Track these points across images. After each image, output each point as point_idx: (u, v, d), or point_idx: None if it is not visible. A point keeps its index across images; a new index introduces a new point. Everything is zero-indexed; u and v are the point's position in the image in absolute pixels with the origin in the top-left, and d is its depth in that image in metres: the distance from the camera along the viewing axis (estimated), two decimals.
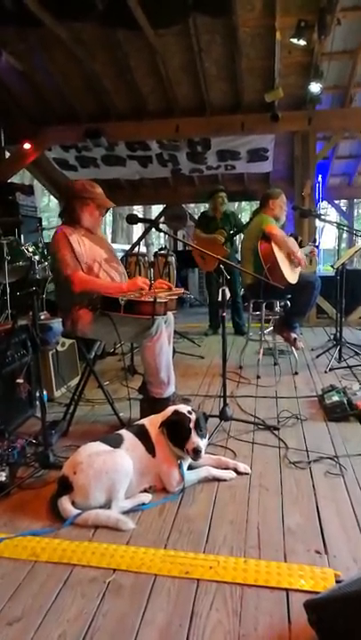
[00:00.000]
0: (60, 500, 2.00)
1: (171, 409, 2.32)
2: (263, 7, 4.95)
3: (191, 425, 2.18)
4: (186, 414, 2.23)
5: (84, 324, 2.80)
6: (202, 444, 2.18)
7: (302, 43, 4.98)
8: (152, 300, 2.67)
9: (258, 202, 5.63)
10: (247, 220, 6.09)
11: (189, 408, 2.31)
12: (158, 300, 2.68)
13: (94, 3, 4.72)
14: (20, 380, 2.95)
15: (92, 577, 1.65)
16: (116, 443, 2.19)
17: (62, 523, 1.94)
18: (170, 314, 3.03)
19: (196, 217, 7.65)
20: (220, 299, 2.90)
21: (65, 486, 2.03)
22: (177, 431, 2.20)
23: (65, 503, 1.99)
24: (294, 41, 4.96)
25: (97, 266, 2.87)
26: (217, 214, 5.81)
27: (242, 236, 5.97)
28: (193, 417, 2.21)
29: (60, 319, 3.03)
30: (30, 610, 1.51)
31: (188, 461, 2.26)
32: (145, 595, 1.56)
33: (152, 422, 2.32)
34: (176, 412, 2.26)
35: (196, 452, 2.15)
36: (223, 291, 3.01)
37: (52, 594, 1.57)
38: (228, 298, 3.02)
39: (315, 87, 5.64)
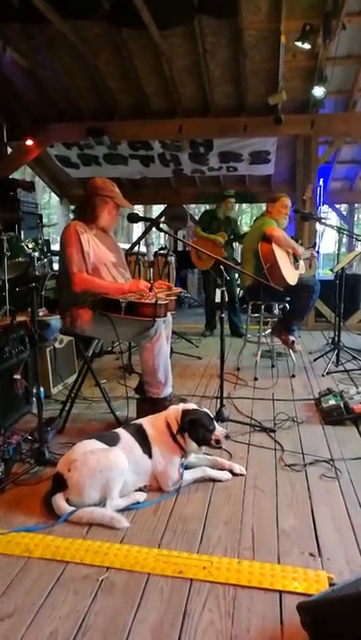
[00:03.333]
0: (55, 497, 2.00)
1: (175, 409, 2.33)
2: (269, 10, 4.96)
3: (211, 416, 2.31)
4: (200, 409, 2.32)
5: (84, 321, 2.79)
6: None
7: (307, 46, 4.99)
8: (153, 301, 2.67)
9: (259, 204, 5.62)
10: (245, 229, 6.12)
11: (194, 405, 2.37)
12: (159, 302, 2.68)
13: (100, 1, 4.72)
14: (17, 377, 2.95)
15: (85, 574, 1.65)
16: (112, 441, 2.19)
17: (56, 520, 1.94)
18: (168, 314, 3.03)
19: (198, 217, 7.66)
20: (217, 300, 2.91)
21: (59, 483, 2.03)
22: (200, 427, 2.25)
23: (59, 500, 1.99)
24: (299, 44, 4.97)
25: (104, 268, 2.83)
26: (222, 216, 5.83)
27: (239, 244, 6.03)
28: (207, 410, 2.33)
29: (59, 316, 3.02)
30: (22, 606, 1.50)
31: (186, 460, 2.28)
32: (138, 593, 1.56)
33: (151, 422, 2.32)
34: (190, 412, 2.29)
35: (227, 438, 2.33)
36: (223, 292, 3.02)
37: (45, 590, 1.57)
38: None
39: (318, 91, 5.66)
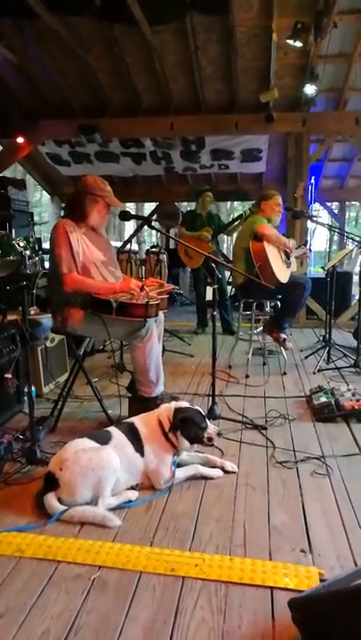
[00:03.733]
0: (46, 496, 2.00)
1: (167, 408, 2.33)
2: (260, 8, 4.95)
3: (203, 414, 2.32)
4: (192, 407, 2.32)
5: (75, 321, 2.77)
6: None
7: (298, 44, 5.00)
8: (144, 302, 2.66)
9: (250, 202, 5.64)
10: (229, 220, 6.15)
11: (186, 403, 2.38)
12: (151, 302, 2.68)
13: None
14: (8, 376, 2.93)
15: (77, 574, 1.65)
16: (103, 439, 2.19)
17: (48, 519, 1.93)
18: (160, 313, 3.02)
19: None
20: (209, 297, 2.91)
21: (51, 482, 2.02)
22: (192, 425, 2.26)
23: (51, 499, 1.98)
24: (291, 42, 4.97)
25: (93, 267, 2.81)
26: (203, 212, 5.85)
27: (226, 236, 6.03)
28: (199, 408, 2.34)
29: (50, 315, 3.01)
30: (14, 606, 1.50)
31: (178, 458, 2.29)
32: (130, 592, 1.56)
33: (143, 421, 2.32)
34: (182, 410, 2.30)
35: (219, 435, 2.36)
36: (214, 290, 3.02)
37: (37, 590, 1.57)
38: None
39: (310, 89, 5.67)
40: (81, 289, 2.70)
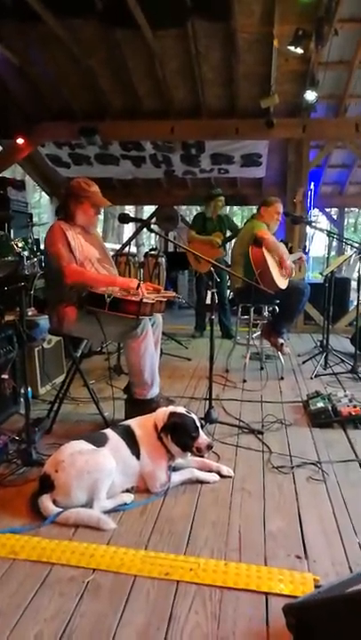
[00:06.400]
0: (41, 498, 1.99)
1: (163, 411, 2.32)
2: (262, 14, 4.98)
3: (198, 424, 2.26)
4: (187, 415, 2.28)
5: (70, 321, 2.79)
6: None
7: (299, 51, 5.02)
8: (138, 299, 2.66)
9: (250, 206, 5.63)
10: (241, 223, 6.12)
11: (183, 409, 2.35)
12: (144, 300, 2.67)
13: (94, 1, 4.71)
14: (4, 376, 2.93)
15: (71, 576, 1.64)
16: (99, 442, 2.18)
17: (43, 521, 1.92)
18: (159, 316, 3.02)
19: (188, 219, 7.65)
20: (208, 301, 2.91)
21: (46, 484, 2.01)
22: (183, 432, 2.23)
23: (46, 501, 1.97)
24: (292, 49, 4.99)
25: (89, 264, 2.86)
26: (214, 216, 5.83)
27: (233, 240, 6.00)
28: (194, 416, 2.29)
29: (47, 316, 3.01)
30: (7, 608, 1.49)
31: (174, 462, 2.27)
32: (124, 595, 1.55)
33: (139, 424, 2.31)
34: (177, 415, 2.27)
35: (209, 448, 2.27)
36: (213, 294, 3.02)
37: (30, 592, 1.56)
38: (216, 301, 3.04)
39: (310, 95, 5.69)
40: (81, 280, 2.74)
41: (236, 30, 5.15)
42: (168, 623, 1.44)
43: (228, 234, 5.75)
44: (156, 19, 4.94)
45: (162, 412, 2.32)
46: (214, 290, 3.00)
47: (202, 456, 2.35)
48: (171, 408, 2.35)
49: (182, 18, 5.03)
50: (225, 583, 1.60)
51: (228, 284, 5.86)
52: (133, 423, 2.33)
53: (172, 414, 2.28)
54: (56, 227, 2.83)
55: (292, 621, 1.34)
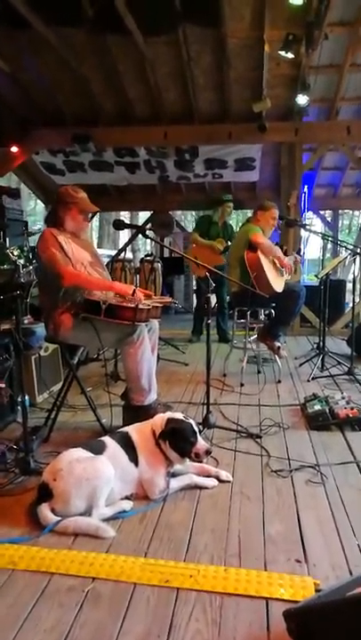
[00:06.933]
0: (40, 506, 1.98)
1: (161, 417, 2.32)
2: (252, 19, 5.01)
3: (196, 429, 2.26)
4: (185, 420, 2.28)
5: (66, 328, 2.78)
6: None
7: (290, 55, 5.06)
8: (134, 305, 2.66)
9: (244, 210, 5.62)
10: (236, 227, 6.12)
11: (180, 414, 2.34)
12: (140, 307, 2.68)
13: (85, 8, 4.73)
14: (1, 385, 2.92)
15: (71, 586, 1.63)
16: (97, 449, 2.17)
17: (41, 530, 1.91)
18: (155, 322, 3.03)
19: (183, 224, 7.65)
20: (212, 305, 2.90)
21: (45, 493, 2.01)
22: (181, 438, 2.22)
23: (44, 510, 1.96)
24: (282, 53, 5.03)
25: (81, 267, 2.88)
26: (220, 221, 5.82)
27: None
28: (192, 421, 2.29)
29: (43, 323, 3.01)
30: (6, 619, 1.48)
31: (173, 468, 2.27)
32: (124, 604, 1.54)
33: (138, 430, 2.31)
34: (174, 421, 2.27)
35: (208, 453, 2.28)
36: (208, 298, 3.03)
37: (29, 603, 1.55)
38: (214, 305, 3.04)
39: (302, 99, 5.74)
40: (79, 282, 2.76)
41: (227, 35, 5.19)
42: (169, 631, 1.43)
43: (230, 243, 5.73)
44: (146, 25, 4.96)
45: (159, 419, 2.31)
46: (209, 294, 3.00)
47: (200, 461, 2.34)
48: (168, 414, 2.35)
49: (173, 24, 5.05)
50: (225, 589, 1.60)
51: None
52: (131, 430, 2.33)
53: (169, 420, 2.27)
54: (47, 233, 2.85)
55: (293, 626, 1.34)
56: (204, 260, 5.41)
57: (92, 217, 3.25)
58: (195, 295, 6.34)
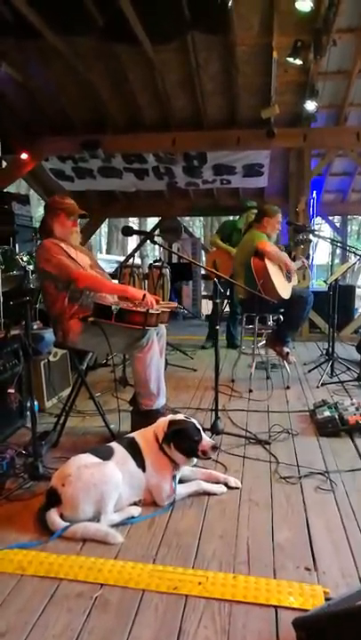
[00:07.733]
0: (49, 512, 1.98)
1: (163, 421, 2.31)
2: (261, 26, 5.04)
3: (199, 427, 2.26)
4: (187, 420, 2.28)
5: (75, 334, 2.80)
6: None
7: (298, 62, 5.08)
8: (144, 310, 2.67)
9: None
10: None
11: (181, 415, 2.35)
12: (151, 311, 2.69)
13: (95, 18, 4.78)
14: (11, 390, 2.93)
15: (79, 592, 1.63)
16: (106, 455, 2.17)
17: (50, 535, 1.91)
18: (163, 327, 3.03)
19: (191, 230, 7.67)
20: (226, 310, 2.91)
21: (53, 499, 2.01)
22: (186, 437, 2.22)
23: (53, 516, 1.97)
24: (291, 60, 5.05)
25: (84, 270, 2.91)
26: (243, 229, 5.79)
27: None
28: (194, 420, 2.29)
29: (52, 329, 3.02)
30: (15, 625, 1.48)
31: (180, 473, 2.26)
32: (132, 611, 1.54)
33: (142, 436, 2.31)
34: (176, 422, 2.27)
35: (214, 449, 2.27)
36: (216, 304, 3.04)
37: (38, 609, 1.55)
38: (225, 311, 3.05)
39: (310, 105, 5.74)
40: (94, 284, 2.81)
41: (236, 43, 5.22)
42: (177, 638, 1.43)
43: None
44: (155, 33, 5.01)
45: (161, 422, 2.31)
46: (217, 300, 3.01)
47: (208, 458, 2.33)
48: (169, 417, 2.34)
49: (182, 31, 5.09)
50: (234, 597, 1.59)
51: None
52: (137, 435, 2.32)
53: (171, 422, 2.27)
54: (48, 243, 2.86)
55: (303, 635, 1.33)
56: (222, 264, 5.40)
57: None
58: (210, 300, 6.28)
